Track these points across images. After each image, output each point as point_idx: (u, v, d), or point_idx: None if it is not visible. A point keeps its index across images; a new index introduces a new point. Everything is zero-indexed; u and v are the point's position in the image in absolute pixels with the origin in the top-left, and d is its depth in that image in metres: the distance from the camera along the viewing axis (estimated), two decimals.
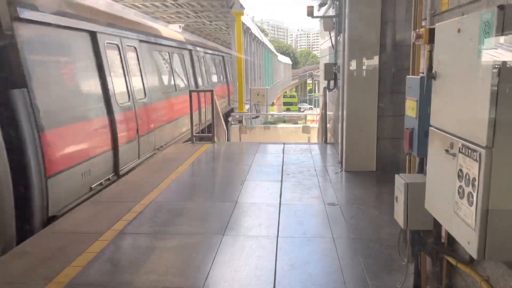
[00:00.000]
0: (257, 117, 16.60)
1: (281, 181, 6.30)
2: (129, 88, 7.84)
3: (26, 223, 4.80)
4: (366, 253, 3.90)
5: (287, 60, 72.04)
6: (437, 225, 2.51)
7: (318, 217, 4.84)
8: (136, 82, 8.24)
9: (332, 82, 8.33)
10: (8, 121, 4.67)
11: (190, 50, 13.46)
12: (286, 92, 63.68)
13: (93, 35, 6.65)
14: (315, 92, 66.50)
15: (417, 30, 2.53)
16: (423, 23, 2.99)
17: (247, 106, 16.51)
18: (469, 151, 1.80)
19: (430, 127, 2.29)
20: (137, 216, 4.87)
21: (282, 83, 56.01)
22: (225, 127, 11.38)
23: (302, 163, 7.46)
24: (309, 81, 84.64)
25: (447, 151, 2.00)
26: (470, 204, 1.79)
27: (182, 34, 13.49)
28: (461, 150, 1.88)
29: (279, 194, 5.66)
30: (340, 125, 7.27)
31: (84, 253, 3.93)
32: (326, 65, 8.22)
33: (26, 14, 5.03)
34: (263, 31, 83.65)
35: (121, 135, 7.15)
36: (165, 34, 11.04)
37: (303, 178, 6.44)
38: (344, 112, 6.79)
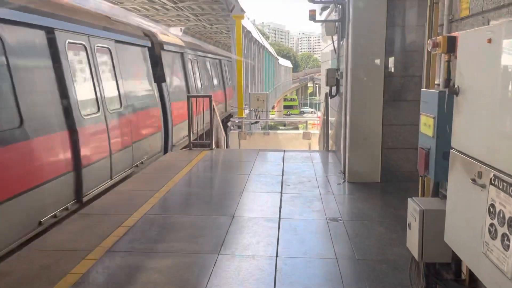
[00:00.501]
0: (256, 122, 16.31)
1: (281, 192, 6.02)
2: (196, 84, 13.59)
3: (166, 147, 9.84)
4: (372, 276, 3.61)
5: (287, 63, 71.70)
6: (456, 258, 2.22)
7: (320, 234, 4.55)
8: (197, 81, 14.05)
9: (334, 89, 8.05)
10: (161, 97, 9.70)
11: (220, 60, 20.26)
12: (286, 95, 63.34)
13: (182, 54, 12.21)
14: (315, 95, 66.21)
15: (434, 38, 2.25)
16: (438, 30, 2.72)
17: (246, 111, 16.22)
18: (504, 184, 1.52)
19: (451, 149, 2.01)
20: (128, 231, 4.58)
21: (283, 86, 55.72)
22: (224, 133, 11.12)
23: (302, 172, 7.18)
24: (309, 84, 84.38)
25: (474, 180, 1.72)
26: (506, 248, 1.51)
27: (214, 48, 22.11)
28: (493, 182, 1.60)
29: (279, 207, 5.37)
30: (342, 133, 6.98)
31: (68, 274, 3.65)
32: (328, 70, 7.95)
33: (164, 47, 10.29)
34: (264, 34, 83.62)
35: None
36: (208, 50, 18.23)
37: (304, 190, 6.15)
38: (347, 120, 6.51)
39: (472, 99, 1.84)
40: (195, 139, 9.76)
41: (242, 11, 16.50)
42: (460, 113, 1.94)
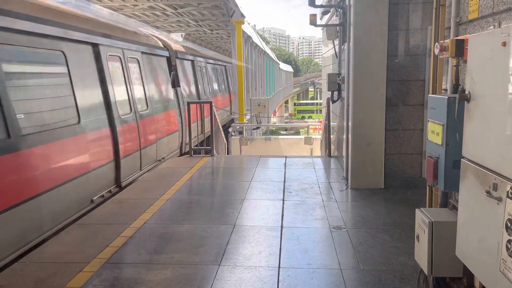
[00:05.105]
0: (258, 128, 16.22)
1: (283, 199, 5.90)
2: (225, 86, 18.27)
3: None
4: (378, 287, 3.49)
5: (288, 68, 71.65)
6: (468, 272, 2.10)
7: (323, 243, 4.43)
8: (220, 85, 17.33)
9: (336, 93, 7.95)
10: (175, 98, 10.42)
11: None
12: (296, 100, 63.07)
13: (193, 62, 13.37)
14: (316, 99, 66.08)
15: (442, 41, 2.14)
16: (445, 33, 2.62)
17: (247, 117, 16.14)
18: None
19: (462, 159, 1.90)
20: (127, 242, 4.47)
21: (284, 91, 55.69)
22: (224, 139, 11.02)
23: (304, 179, 7.06)
24: (310, 88, 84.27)
25: (488, 193, 1.61)
26: None
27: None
28: (510, 195, 1.49)
29: (281, 215, 5.26)
30: (345, 139, 6.88)
31: None
32: (329, 75, 7.85)
33: (178, 55, 11.17)
34: (264, 39, 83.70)
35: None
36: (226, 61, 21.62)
37: (306, 197, 6.03)
38: (350, 125, 6.40)
39: (485, 106, 1.73)
40: (193, 148, 9.65)
41: (242, 16, 16.48)
42: (472, 120, 1.84)
